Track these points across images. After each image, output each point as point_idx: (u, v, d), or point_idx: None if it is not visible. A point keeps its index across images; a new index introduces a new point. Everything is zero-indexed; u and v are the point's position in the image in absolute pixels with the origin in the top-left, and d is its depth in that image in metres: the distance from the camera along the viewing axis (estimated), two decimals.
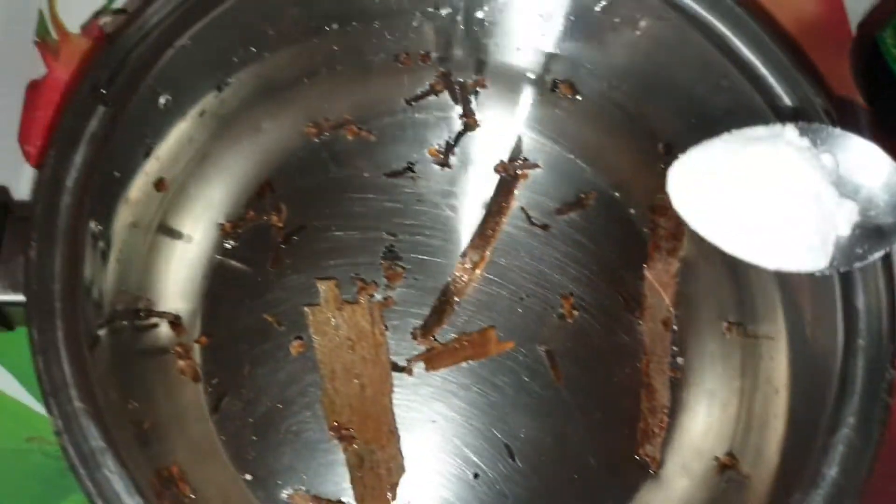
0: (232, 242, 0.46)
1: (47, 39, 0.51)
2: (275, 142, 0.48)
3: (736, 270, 0.46)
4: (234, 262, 0.46)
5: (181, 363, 0.44)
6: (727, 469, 0.43)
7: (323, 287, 0.46)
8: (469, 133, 0.50)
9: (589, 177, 0.49)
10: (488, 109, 0.50)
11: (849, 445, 0.37)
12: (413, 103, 0.49)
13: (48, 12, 0.51)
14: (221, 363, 0.45)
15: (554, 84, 0.50)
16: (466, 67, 0.49)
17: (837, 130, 0.36)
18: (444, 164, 0.49)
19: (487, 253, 0.48)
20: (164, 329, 0.44)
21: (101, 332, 0.39)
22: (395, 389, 0.45)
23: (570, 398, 0.45)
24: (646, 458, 0.44)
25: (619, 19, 0.46)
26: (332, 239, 0.47)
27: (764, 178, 0.35)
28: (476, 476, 0.44)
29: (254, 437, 0.44)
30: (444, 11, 0.47)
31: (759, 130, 0.36)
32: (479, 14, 0.48)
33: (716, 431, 0.45)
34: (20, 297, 0.35)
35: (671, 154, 0.47)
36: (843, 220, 0.35)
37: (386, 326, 0.46)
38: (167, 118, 0.41)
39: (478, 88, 0.50)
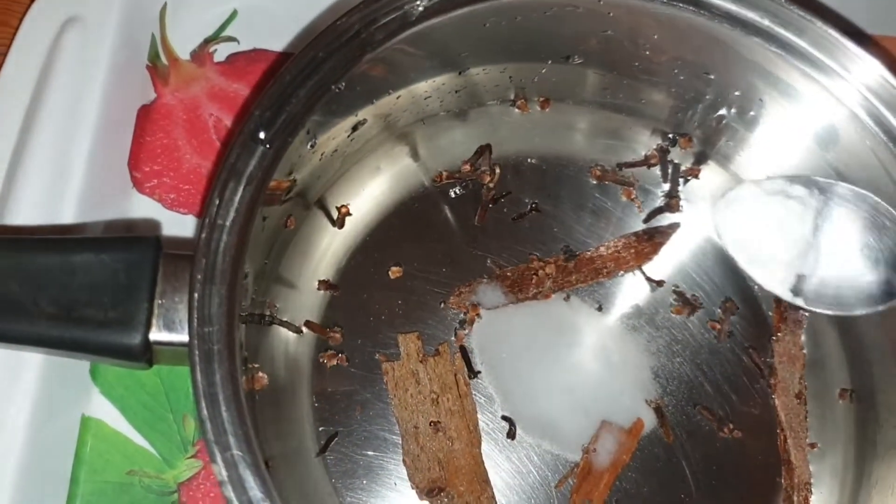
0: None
1: (158, 64, 0.50)
2: (392, 180, 0.48)
3: (847, 337, 0.46)
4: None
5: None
6: None
7: (403, 341, 0.45)
8: (668, 213, 0.49)
9: None
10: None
11: None
12: (623, 168, 0.49)
13: (160, 37, 0.50)
14: (333, 402, 0.44)
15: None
16: (686, 152, 0.49)
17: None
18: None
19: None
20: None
21: None
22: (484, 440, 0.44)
23: (684, 460, 0.45)
24: None
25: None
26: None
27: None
28: None
29: (364, 482, 0.44)
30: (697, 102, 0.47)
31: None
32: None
33: (828, 495, 0.45)
34: (176, 338, 0.34)
35: None
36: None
37: (474, 372, 0.45)
38: (311, 157, 0.41)
39: (689, 177, 0.49)
